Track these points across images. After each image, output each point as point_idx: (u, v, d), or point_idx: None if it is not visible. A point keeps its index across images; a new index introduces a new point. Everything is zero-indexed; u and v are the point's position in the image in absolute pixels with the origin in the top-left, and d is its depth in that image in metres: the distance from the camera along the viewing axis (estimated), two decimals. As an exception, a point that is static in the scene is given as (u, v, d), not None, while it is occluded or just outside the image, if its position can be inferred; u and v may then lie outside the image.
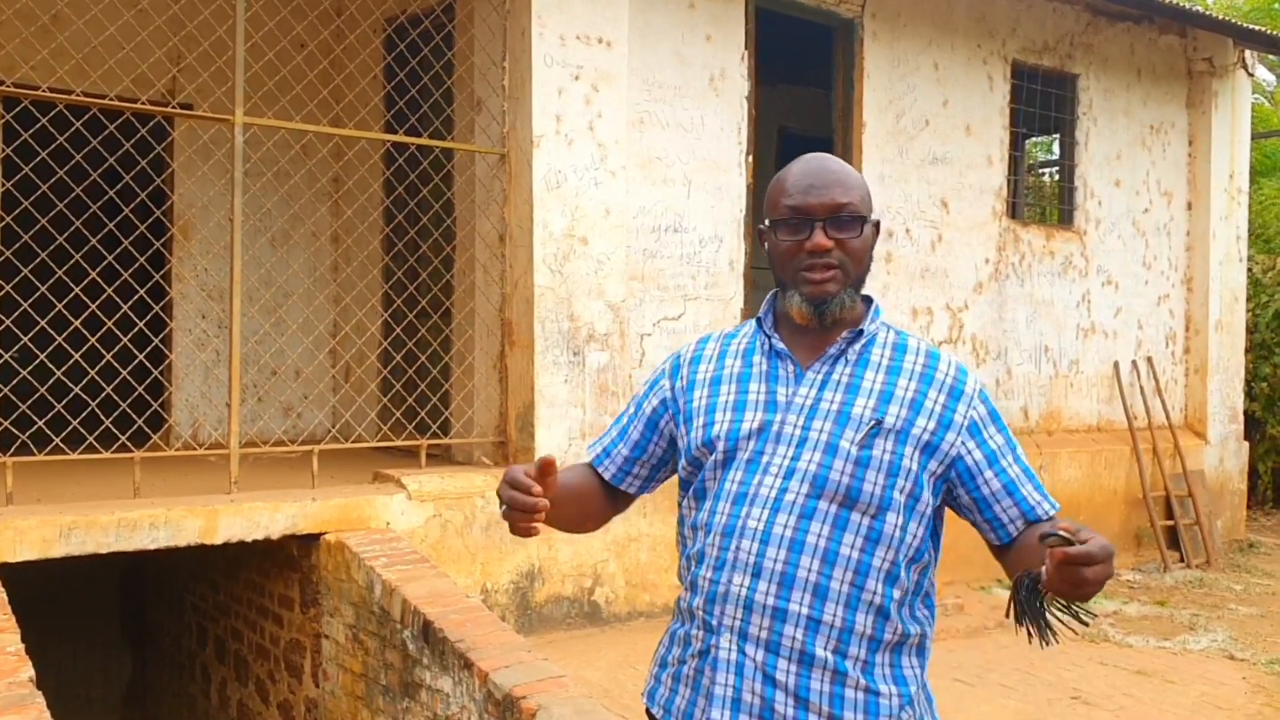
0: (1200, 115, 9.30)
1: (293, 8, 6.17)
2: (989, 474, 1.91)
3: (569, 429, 5.70)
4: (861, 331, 1.95)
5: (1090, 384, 8.71)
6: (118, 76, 5.88)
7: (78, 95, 4.93)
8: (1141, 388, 8.86)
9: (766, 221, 1.98)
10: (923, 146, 7.62)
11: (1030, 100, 8.29)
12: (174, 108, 5.96)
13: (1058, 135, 9.18)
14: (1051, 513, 1.93)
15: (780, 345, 1.97)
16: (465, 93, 6.19)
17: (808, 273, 1.91)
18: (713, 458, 1.96)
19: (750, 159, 6.76)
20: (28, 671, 3.27)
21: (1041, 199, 10.90)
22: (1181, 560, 8.33)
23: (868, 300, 2.01)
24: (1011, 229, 8.20)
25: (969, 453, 1.91)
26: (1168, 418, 8.90)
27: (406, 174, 6.37)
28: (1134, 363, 8.92)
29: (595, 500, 2.18)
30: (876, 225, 1.99)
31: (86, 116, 4.87)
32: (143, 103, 5.47)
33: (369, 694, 4.54)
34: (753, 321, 2.07)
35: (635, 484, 2.18)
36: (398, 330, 6.43)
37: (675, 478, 2.14)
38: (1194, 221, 9.33)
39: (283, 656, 5.35)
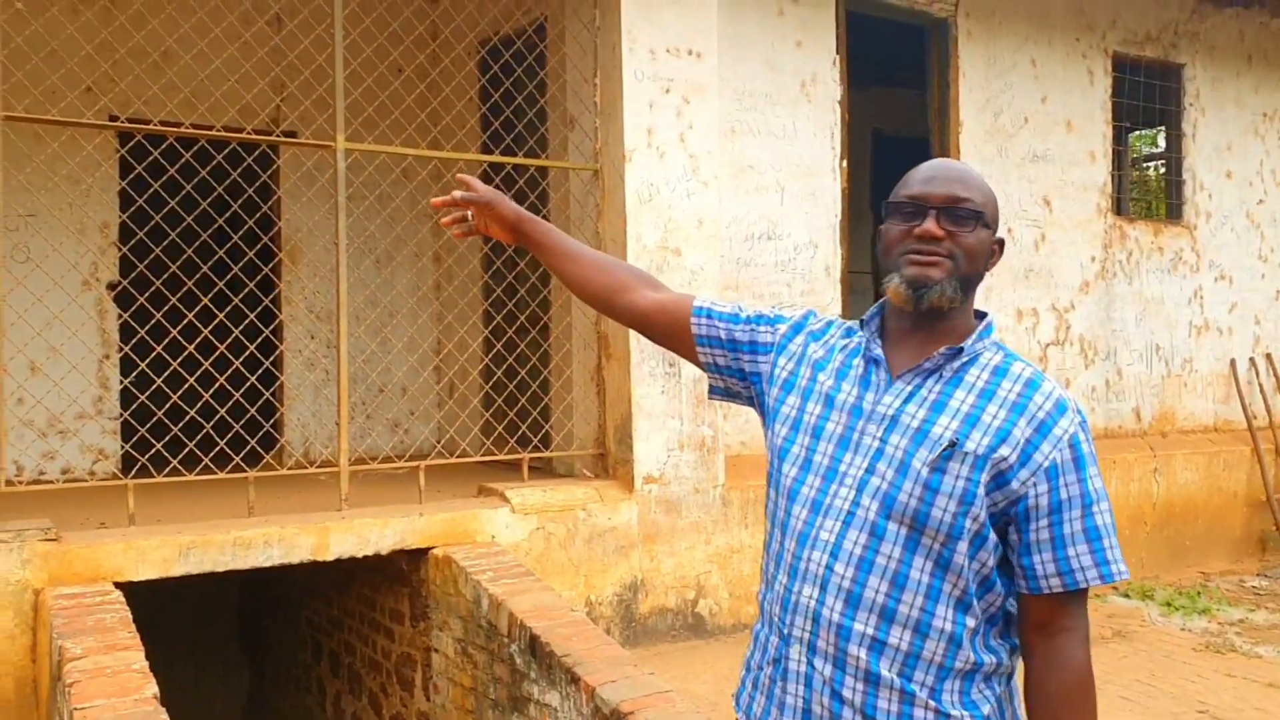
0: (1317, 100, 8.93)
1: (389, 34, 6.31)
2: (1043, 523, 1.77)
3: (667, 440, 5.70)
4: (961, 349, 1.84)
5: (1205, 383, 8.40)
6: (224, 107, 6.08)
7: (187, 127, 5.11)
8: (1261, 385, 8.52)
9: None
10: (1022, 145, 7.47)
11: (1133, 93, 8.06)
12: (278, 136, 6.15)
13: (1163, 128, 8.90)
14: (1099, 582, 1.76)
15: (878, 352, 1.90)
16: (558, 111, 6.25)
17: (913, 254, 1.83)
18: (796, 450, 1.92)
19: (844, 163, 6.69)
20: (152, 688, 3.39)
21: (1147, 194, 10.57)
22: (1310, 565, 7.98)
23: (981, 315, 1.91)
24: (1117, 225, 7.97)
25: (1037, 496, 1.76)
26: (1290, 416, 8.53)
27: (504, 192, 6.45)
28: (1251, 360, 8.58)
29: (621, 290, 2.23)
30: (1000, 243, 1.91)
31: (195, 147, 5.04)
32: (248, 132, 5.64)
33: (479, 708, 4.59)
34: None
35: (708, 357, 2.12)
36: (498, 346, 6.51)
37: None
38: (1313, 211, 8.95)
39: (394, 670, 5.45)
